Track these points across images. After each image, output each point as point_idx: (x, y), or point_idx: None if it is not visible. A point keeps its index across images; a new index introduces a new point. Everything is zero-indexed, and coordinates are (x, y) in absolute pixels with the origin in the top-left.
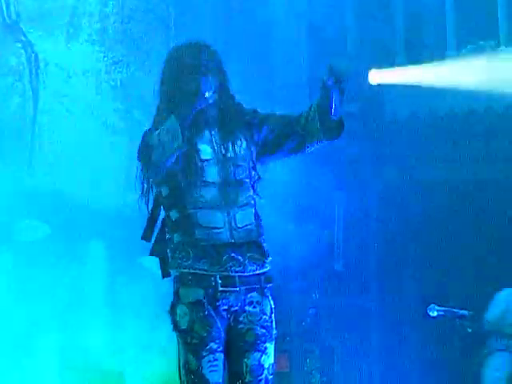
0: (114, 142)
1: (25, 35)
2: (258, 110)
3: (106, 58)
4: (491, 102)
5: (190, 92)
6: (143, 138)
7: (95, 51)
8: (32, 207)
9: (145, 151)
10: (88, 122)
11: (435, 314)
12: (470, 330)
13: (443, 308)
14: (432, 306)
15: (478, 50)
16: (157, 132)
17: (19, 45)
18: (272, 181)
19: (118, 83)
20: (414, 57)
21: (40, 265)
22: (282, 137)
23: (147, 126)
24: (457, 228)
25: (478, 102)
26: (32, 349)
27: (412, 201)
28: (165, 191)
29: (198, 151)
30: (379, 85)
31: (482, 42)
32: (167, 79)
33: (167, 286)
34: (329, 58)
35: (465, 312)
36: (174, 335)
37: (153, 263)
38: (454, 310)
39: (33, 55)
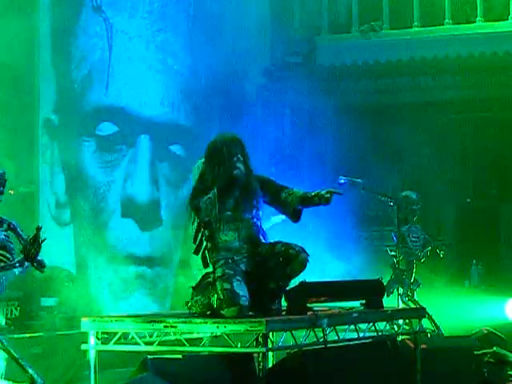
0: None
1: (104, 13)
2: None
3: (151, 28)
4: None
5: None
6: (192, 194)
7: (145, 23)
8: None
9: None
10: (139, 63)
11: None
12: (362, 192)
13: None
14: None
15: None
16: (203, 199)
17: (101, 19)
18: None
19: (159, 44)
20: None
21: None
22: (270, 201)
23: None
24: None
25: None
26: None
27: None
28: None
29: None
30: None
31: None
32: (211, 162)
33: None
34: None
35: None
36: None
37: None
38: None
39: (109, 25)
